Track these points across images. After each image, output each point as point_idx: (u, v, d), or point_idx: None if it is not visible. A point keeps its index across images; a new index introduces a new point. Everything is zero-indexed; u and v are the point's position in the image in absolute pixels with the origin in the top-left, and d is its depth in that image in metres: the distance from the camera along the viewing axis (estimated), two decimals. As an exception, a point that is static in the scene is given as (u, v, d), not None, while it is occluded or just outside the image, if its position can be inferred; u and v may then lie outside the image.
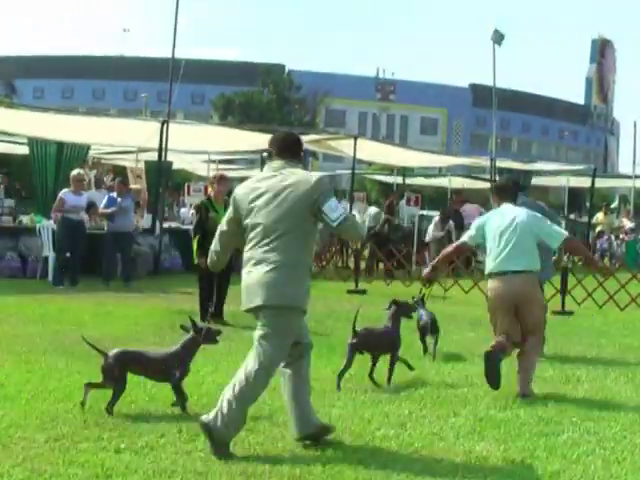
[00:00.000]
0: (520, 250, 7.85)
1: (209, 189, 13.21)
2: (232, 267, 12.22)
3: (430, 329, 9.35)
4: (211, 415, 5.56)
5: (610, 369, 9.01)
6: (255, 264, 5.73)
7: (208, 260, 6.40)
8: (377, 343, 7.82)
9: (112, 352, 6.48)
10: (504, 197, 8.33)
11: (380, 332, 7.93)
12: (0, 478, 4.88)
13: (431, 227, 21.37)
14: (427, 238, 21.37)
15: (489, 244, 8.01)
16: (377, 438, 6.01)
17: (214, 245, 6.29)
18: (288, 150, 5.97)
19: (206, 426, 5.55)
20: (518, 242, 7.86)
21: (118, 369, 6.40)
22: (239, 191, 5.97)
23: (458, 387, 7.85)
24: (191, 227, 15.77)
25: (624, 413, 7.05)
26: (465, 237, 8.47)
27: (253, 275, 5.72)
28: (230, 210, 6.05)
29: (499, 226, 7.99)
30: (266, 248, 5.71)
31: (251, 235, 5.80)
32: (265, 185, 5.82)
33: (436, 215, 22.27)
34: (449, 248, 8.85)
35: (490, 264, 7.94)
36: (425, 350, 9.51)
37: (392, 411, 6.79)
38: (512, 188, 8.49)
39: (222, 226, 6.14)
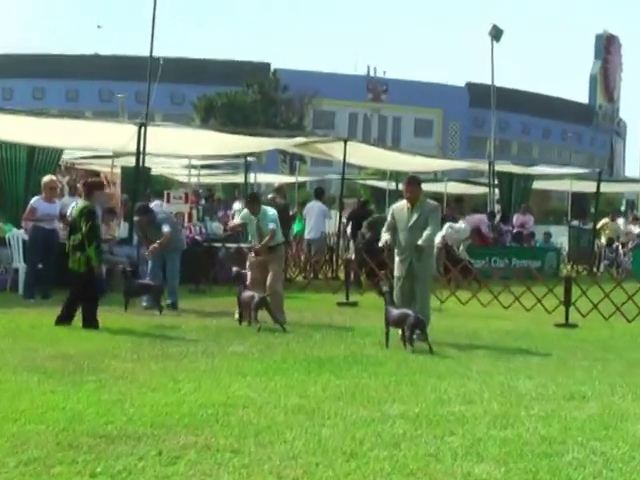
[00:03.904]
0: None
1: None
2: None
3: None
4: None
5: (617, 385, 9.03)
6: None
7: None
8: None
9: None
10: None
11: None
12: (-32, 505, 4.87)
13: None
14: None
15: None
16: (370, 459, 6.00)
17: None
18: None
19: None
20: None
21: None
22: None
23: (455, 404, 7.85)
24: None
25: (632, 432, 7.05)
26: None
27: None
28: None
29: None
30: None
31: None
32: None
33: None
34: None
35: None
36: None
37: (385, 430, 6.78)
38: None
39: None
